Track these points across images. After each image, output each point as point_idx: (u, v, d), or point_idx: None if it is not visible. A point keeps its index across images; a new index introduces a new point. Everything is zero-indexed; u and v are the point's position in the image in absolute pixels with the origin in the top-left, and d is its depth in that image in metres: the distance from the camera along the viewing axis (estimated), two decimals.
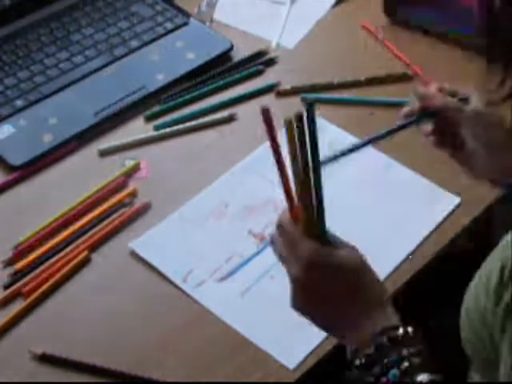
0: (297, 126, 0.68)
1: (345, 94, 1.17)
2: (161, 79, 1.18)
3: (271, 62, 1.23)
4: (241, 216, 1.02)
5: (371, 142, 0.93)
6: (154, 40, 1.24)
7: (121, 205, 1.03)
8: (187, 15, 1.28)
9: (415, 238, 0.98)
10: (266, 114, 0.69)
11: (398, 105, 1.14)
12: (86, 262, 0.97)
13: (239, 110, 1.15)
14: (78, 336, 0.90)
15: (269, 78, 1.20)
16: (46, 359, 0.88)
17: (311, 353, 0.89)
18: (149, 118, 1.14)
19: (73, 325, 0.92)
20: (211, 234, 1.00)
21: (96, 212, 1.02)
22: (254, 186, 1.05)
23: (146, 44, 1.23)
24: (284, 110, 1.16)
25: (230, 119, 1.14)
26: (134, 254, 0.97)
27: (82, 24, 1.25)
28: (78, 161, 1.09)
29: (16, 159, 1.07)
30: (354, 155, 1.07)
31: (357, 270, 0.73)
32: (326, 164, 0.90)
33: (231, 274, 0.96)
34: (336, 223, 1.04)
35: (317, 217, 0.71)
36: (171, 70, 1.19)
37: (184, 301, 0.93)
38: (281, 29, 1.28)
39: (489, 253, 0.73)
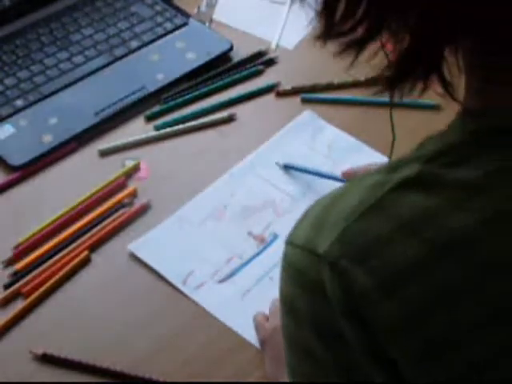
0: None
1: (345, 94, 1.17)
2: (161, 79, 1.18)
3: (271, 62, 1.23)
4: (240, 217, 1.02)
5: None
6: (153, 40, 1.24)
7: (121, 205, 1.03)
8: (187, 15, 1.28)
9: None
10: None
11: (398, 105, 1.14)
12: (86, 262, 0.97)
13: (239, 110, 1.15)
14: (77, 336, 0.90)
15: (269, 78, 1.20)
16: (46, 359, 0.88)
17: None
18: (149, 118, 1.14)
19: (73, 325, 0.92)
20: (210, 235, 1.00)
21: (96, 212, 1.02)
22: (253, 187, 1.05)
23: (146, 44, 1.23)
24: (284, 110, 1.16)
25: (230, 119, 1.14)
26: (134, 255, 0.97)
27: (81, 24, 1.25)
28: (78, 161, 1.09)
29: (16, 159, 1.07)
30: (352, 156, 1.08)
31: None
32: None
33: (231, 275, 0.96)
34: None
35: None
36: (171, 70, 1.19)
37: (184, 302, 0.93)
38: (281, 29, 1.28)
39: None
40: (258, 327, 0.89)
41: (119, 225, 1.00)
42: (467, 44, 0.55)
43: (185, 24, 1.27)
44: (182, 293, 0.94)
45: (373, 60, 0.60)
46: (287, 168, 1.07)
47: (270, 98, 1.18)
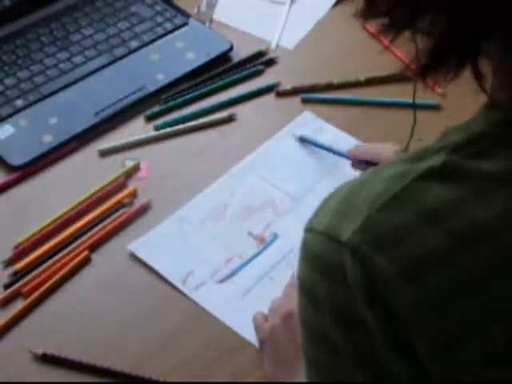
0: None
1: (345, 94, 1.17)
2: (161, 79, 1.18)
3: (271, 62, 1.23)
4: (240, 217, 1.02)
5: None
6: (153, 40, 1.24)
7: (121, 205, 1.03)
8: (187, 15, 1.28)
9: None
10: None
11: (397, 105, 1.15)
12: (86, 262, 0.97)
13: (239, 110, 1.15)
14: (77, 336, 0.90)
15: (269, 78, 1.20)
16: (46, 359, 0.88)
17: None
18: (149, 118, 1.14)
19: (73, 325, 0.92)
20: (210, 235, 1.00)
21: (96, 212, 1.02)
22: (253, 186, 1.05)
23: (146, 44, 1.23)
24: (284, 110, 1.16)
25: (230, 119, 1.14)
26: (134, 255, 0.97)
27: (81, 24, 1.25)
28: (78, 161, 1.09)
29: (16, 159, 1.07)
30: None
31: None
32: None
33: (231, 275, 0.96)
34: None
35: None
36: (171, 70, 1.19)
37: (184, 302, 0.93)
38: (280, 29, 1.28)
39: None
40: (257, 327, 0.89)
41: (119, 225, 1.00)
42: (496, 37, 0.55)
43: (185, 24, 1.27)
44: (182, 292, 0.94)
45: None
46: (302, 141, 1.09)
47: (270, 98, 1.18)
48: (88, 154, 1.10)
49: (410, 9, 0.55)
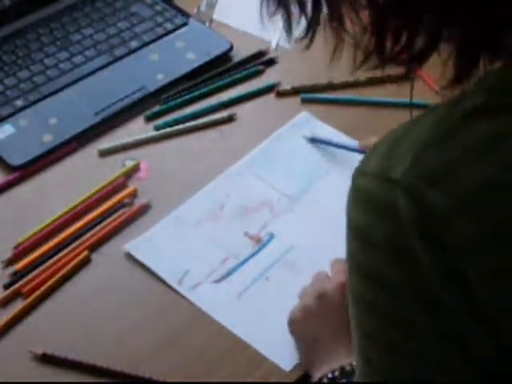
0: None
1: (345, 94, 1.17)
2: (161, 79, 1.18)
3: (271, 62, 1.23)
4: (236, 217, 1.02)
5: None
6: (153, 40, 1.24)
7: (121, 205, 1.03)
8: (187, 15, 1.28)
9: None
10: None
11: (397, 105, 1.14)
12: (86, 262, 0.97)
13: (239, 110, 1.15)
14: (78, 336, 0.90)
15: (269, 78, 1.20)
16: (46, 359, 0.88)
17: None
18: (149, 118, 1.14)
19: (73, 325, 0.92)
20: (207, 235, 1.00)
21: (96, 212, 1.02)
22: (250, 187, 1.05)
23: (146, 44, 1.23)
24: (284, 110, 1.16)
25: (230, 119, 1.14)
26: (133, 255, 0.97)
27: (81, 24, 1.25)
28: (78, 161, 1.09)
29: (16, 159, 1.07)
30: (350, 155, 1.08)
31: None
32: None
33: (227, 275, 0.96)
34: (339, 223, 1.03)
35: None
36: (171, 70, 1.19)
37: (184, 302, 0.93)
38: (281, 29, 1.27)
39: None
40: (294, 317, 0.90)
41: (119, 225, 1.00)
42: None
43: (185, 24, 1.27)
44: (178, 293, 0.94)
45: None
46: (314, 141, 1.09)
47: (270, 97, 1.18)
48: (88, 154, 1.10)
49: (432, 32, 0.58)
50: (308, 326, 0.87)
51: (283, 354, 0.88)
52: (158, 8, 1.29)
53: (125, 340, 0.90)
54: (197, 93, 1.17)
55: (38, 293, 0.93)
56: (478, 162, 0.55)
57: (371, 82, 1.18)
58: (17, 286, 0.94)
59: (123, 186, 1.05)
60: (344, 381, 0.80)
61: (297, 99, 1.17)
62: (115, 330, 0.91)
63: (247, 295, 0.94)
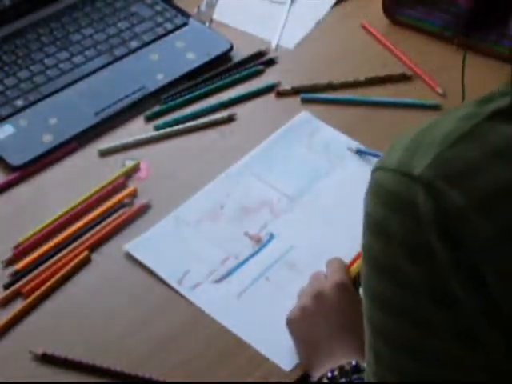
0: None
1: (345, 94, 1.17)
2: (161, 79, 1.18)
3: (271, 62, 1.22)
4: (236, 217, 1.02)
5: None
6: (153, 40, 1.24)
7: (121, 205, 1.03)
8: (187, 15, 1.28)
9: None
10: None
11: (398, 105, 1.15)
12: (86, 262, 0.97)
13: (239, 110, 1.15)
14: (78, 336, 0.90)
15: (269, 78, 1.20)
16: (46, 359, 0.88)
17: None
18: (149, 118, 1.14)
19: (73, 325, 0.92)
20: (207, 235, 1.00)
21: (96, 212, 1.02)
22: (250, 187, 1.05)
23: (146, 44, 1.23)
24: (284, 110, 1.16)
25: (230, 119, 1.14)
26: (133, 255, 0.97)
27: (81, 24, 1.25)
28: (78, 161, 1.09)
29: (16, 159, 1.07)
30: (349, 156, 1.08)
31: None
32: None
33: (227, 275, 0.96)
34: (339, 223, 1.04)
35: None
36: (171, 70, 1.19)
37: (184, 302, 0.93)
38: (280, 29, 1.28)
39: None
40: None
41: (119, 225, 1.00)
42: None
43: (185, 24, 1.27)
44: (178, 293, 0.94)
45: None
46: (360, 153, 1.08)
47: (270, 98, 1.18)
48: (88, 154, 1.10)
49: None
50: (306, 325, 0.87)
51: (283, 354, 0.88)
52: (158, 8, 1.29)
53: (125, 340, 0.90)
54: (197, 93, 1.17)
55: (37, 293, 0.93)
56: (498, 163, 0.56)
57: (371, 82, 1.18)
58: (17, 286, 0.94)
59: (123, 186, 1.05)
60: (343, 380, 0.80)
61: (297, 99, 1.17)
62: (115, 329, 0.91)
63: (247, 295, 0.94)
